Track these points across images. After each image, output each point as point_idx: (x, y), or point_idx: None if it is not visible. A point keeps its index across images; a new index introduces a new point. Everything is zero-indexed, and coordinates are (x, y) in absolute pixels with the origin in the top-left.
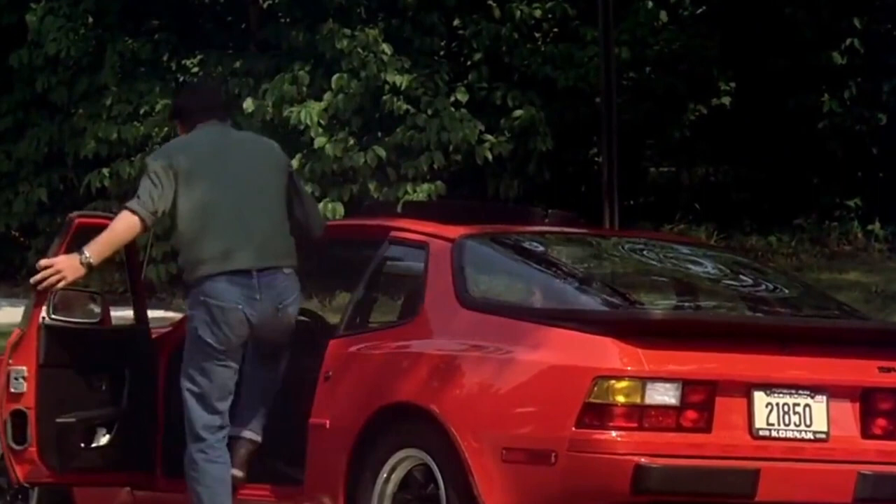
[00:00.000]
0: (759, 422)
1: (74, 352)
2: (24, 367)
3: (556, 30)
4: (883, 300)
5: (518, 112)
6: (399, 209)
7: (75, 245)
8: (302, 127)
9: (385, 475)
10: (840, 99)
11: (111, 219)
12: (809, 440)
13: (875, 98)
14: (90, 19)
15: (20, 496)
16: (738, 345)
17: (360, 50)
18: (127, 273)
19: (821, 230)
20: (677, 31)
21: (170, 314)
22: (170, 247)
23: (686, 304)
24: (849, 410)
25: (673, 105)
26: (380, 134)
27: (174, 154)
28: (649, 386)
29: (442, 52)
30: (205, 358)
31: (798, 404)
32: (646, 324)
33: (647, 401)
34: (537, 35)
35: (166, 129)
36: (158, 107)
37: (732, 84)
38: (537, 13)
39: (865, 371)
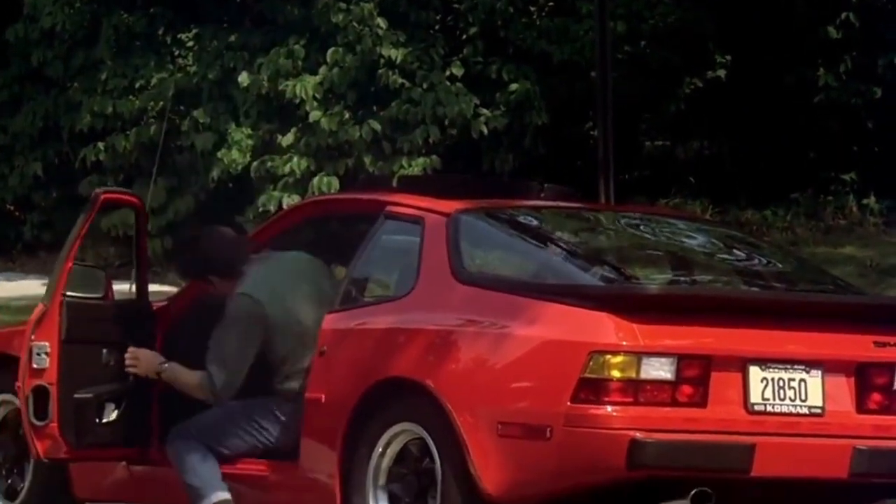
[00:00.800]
0: (755, 396)
1: (92, 327)
2: (47, 343)
3: (551, 4)
4: (878, 274)
5: (513, 86)
6: (394, 183)
7: (98, 221)
8: (297, 101)
9: (380, 450)
10: (836, 73)
11: (134, 195)
12: (805, 415)
13: (871, 72)
14: None
15: (15, 470)
16: (734, 319)
17: (355, 24)
18: (134, 250)
19: (816, 204)
20: (673, 4)
21: (165, 288)
22: (165, 221)
23: (681, 278)
24: (844, 385)
25: (668, 79)
26: (375, 108)
27: None
28: (644, 361)
29: (437, 26)
30: None
31: (793, 379)
32: (641, 298)
33: (643, 375)
34: (532, 9)
35: (161, 102)
36: (154, 81)
37: (728, 57)
38: None
39: (861, 346)
